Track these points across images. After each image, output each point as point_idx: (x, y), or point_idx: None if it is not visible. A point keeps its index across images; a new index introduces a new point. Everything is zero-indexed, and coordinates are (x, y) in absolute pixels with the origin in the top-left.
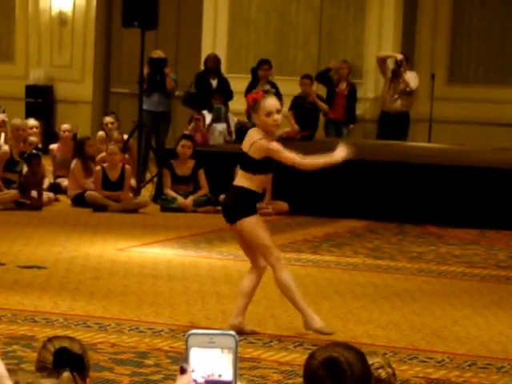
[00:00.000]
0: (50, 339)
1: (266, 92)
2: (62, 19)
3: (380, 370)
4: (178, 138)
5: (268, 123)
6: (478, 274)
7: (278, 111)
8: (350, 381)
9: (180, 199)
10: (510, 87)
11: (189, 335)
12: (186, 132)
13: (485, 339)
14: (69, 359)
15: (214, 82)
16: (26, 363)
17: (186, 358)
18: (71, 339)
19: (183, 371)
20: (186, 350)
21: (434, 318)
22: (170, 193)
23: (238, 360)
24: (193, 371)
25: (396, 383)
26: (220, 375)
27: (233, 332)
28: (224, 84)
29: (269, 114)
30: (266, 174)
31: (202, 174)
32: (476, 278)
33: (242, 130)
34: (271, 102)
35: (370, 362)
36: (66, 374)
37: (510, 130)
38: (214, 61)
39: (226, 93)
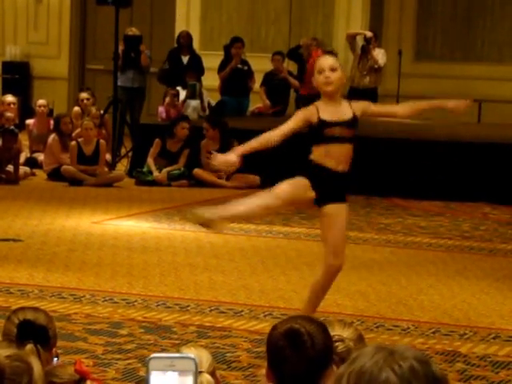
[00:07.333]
0: (15, 311)
1: (327, 52)
2: None
3: (338, 343)
4: (152, 113)
5: (319, 81)
6: (442, 244)
7: (333, 69)
8: (310, 351)
9: (155, 172)
10: (474, 64)
11: (149, 359)
12: (161, 107)
13: (448, 307)
14: (32, 331)
15: (185, 59)
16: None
17: (146, 381)
18: (36, 310)
19: None
20: (147, 373)
21: (400, 288)
22: (150, 162)
23: (197, 382)
24: None
25: None
26: None
27: (192, 355)
28: (196, 60)
29: (320, 71)
30: (324, 143)
31: (185, 152)
32: (441, 248)
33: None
34: (323, 59)
35: (332, 333)
36: (29, 347)
37: (473, 105)
38: (186, 37)
39: (197, 69)
